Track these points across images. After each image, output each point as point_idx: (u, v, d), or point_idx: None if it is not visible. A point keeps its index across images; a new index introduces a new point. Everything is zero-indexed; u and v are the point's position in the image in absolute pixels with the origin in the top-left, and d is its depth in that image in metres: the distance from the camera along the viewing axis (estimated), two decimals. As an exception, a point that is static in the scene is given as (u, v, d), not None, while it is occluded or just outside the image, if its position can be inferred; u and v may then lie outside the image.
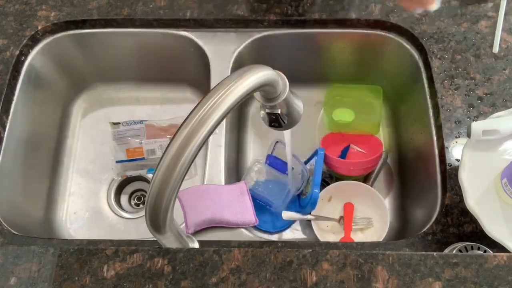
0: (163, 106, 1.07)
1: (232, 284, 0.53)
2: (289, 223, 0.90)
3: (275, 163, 0.94)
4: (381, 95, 0.96)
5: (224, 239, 0.72)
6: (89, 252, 0.56)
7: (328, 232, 0.89)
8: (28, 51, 0.89)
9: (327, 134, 0.98)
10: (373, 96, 0.98)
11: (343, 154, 0.98)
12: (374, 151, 0.94)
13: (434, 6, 0.87)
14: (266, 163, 0.94)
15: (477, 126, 0.63)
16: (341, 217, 0.89)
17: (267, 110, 0.61)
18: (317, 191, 0.84)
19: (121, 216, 0.97)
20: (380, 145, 0.95)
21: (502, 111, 0.67)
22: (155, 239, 0.51)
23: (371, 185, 0.94)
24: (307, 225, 0.92)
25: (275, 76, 0.52)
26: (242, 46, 0.91)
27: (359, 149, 0.98)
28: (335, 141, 0.98)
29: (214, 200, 0.77)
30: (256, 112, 1.06)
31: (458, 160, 0.73)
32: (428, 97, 0.82)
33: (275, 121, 0.63)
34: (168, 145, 0.44)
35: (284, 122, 0.63)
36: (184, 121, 0.44)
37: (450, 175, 0.73)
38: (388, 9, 0.89)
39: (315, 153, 0.91)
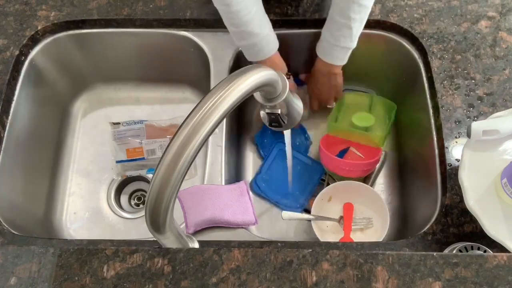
0: (163, 106, 1.07)
1: (232, 284, 0.53)
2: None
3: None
4: (394, 113, 0.95)
5: (224, 239, 0.72)
6: (89, 252, 0.56)
7: (328, 232, 0.89)
8: (28, 51, 0.89)
9: (326, 134, 0.98)
10: (384, 111, 0.97)
11: (341, 155, 0.97)
12: (371, 156, 0.94)
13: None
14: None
15: (477, 126, 0.63)
16: (341, 217, 0.89)
17: (267, 110, 0.61)
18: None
19: (121, 216, 0.97)
20: (378, 150, 0.94)
21: (502, 111, 0.67)
22: (155, 239, 0.51)
23: (371, 185, 0.94)
24: (307, 225, 0.92)
25: (275, 76, 0.53)
26: (242, 46, 0.91)
27: (358, 153, 0.97)
28: (335, 141, 0.97)
29: (214, 200, 0.77)
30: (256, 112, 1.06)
31: (458, 160, 0.73)
32: (428, 97, 0.82)
33: (275, 121, 0.63)
34: (168, 145, 0.44)
35: (284, 122, 0.64)
36: (184, 121, 0.44)
37: (450, 175, 0.73)
38: (388, 9, 0.89)
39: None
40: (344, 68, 1.00)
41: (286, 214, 0.86)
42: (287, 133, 0.76)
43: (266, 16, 0.79)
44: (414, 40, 0.87)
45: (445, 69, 0.82)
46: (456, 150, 0.74)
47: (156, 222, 0.47)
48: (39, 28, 0.89)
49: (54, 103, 1.00)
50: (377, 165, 0.95)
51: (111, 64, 1.02)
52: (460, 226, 0.68)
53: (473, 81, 0.80)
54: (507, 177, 0.59)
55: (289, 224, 0.93)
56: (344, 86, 0.99)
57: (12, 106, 0.84)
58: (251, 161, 1.01)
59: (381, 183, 0.97)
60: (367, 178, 0.95)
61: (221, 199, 0.77)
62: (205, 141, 0.44)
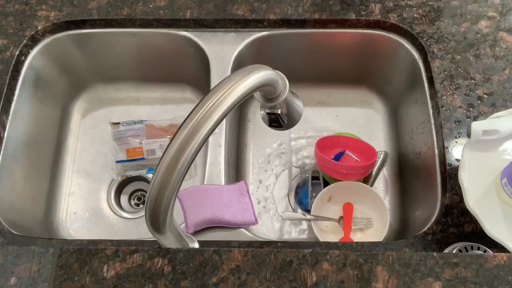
0: (163, 106, 1.07)
1: (232, 284, 0.53)
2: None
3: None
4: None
5: (224, 239, 0.72)
6: (89, 252, 0.56)
7: (328, 232, 0.89)
8: (28, 51, 0.89)
9: (322, 137, 0.97)
10: None
11: (336, 159, 0.97)
12: (368, 158, 0.93)
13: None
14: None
15: (477, 126, 0.63)
16: (341, 217, 0.89)
17: (267, 110, 0.61)
18: None
19: (121, 216, 0.97)
20: (374, 153, 0.94)
21: (502, 111, 0.67)
22: (155, 239, 0.51)
23: (371, 185, 0.94)
24: (307, 225, 0.92)
25: (275, 76, 0.53)
26: (242, 46, 0.91)
27: (354, 156, 0.97)
28: (330, 145, 0.97)
29: (214, 200, 0.77)
30: (256, 112, 1.06)
31: (458, 160, 0.73)
32: (428, 97, 0.82)
33: (275, 121, 0.63)
34: (168, 145, 0.44)
35: (284, 122, 0.63)
36: (184, 121, 0.44)
37: (450, 175, 0.73)
38: (388, 9, 0.89)
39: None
40: (344, 68, 1.01)
41: (286, 214, 0.86)
42: (287, 134, 0.76)
43: None
44: (414, 40, 0.87)
45: (445, 69, 0.82)
46: (456, 150, 0.74)
47: (156, 222, 0.47)
48: (39, 28, 0.89)
49: (54, 103, 1.00)
50: (377, 165, 0.95)
51: (111, 64, 1.02)
52: (460, 226, 0.68)
53: (473, 81, 0.80)
54: (507, 177, 0.59)
55: (289, 224, 0.93)
56: (344, 88, 0.99)
57: (12, 106, 0.84)
58: (251, 161, 1.01)
59: (381, 183, 0.97)
60: (367, 179, 0.95)
61: (221, 199, 0.77)
62: (205, 141, 0.44)
